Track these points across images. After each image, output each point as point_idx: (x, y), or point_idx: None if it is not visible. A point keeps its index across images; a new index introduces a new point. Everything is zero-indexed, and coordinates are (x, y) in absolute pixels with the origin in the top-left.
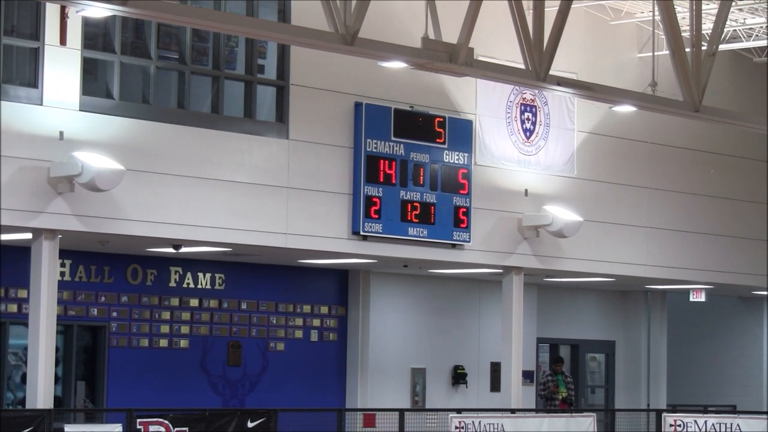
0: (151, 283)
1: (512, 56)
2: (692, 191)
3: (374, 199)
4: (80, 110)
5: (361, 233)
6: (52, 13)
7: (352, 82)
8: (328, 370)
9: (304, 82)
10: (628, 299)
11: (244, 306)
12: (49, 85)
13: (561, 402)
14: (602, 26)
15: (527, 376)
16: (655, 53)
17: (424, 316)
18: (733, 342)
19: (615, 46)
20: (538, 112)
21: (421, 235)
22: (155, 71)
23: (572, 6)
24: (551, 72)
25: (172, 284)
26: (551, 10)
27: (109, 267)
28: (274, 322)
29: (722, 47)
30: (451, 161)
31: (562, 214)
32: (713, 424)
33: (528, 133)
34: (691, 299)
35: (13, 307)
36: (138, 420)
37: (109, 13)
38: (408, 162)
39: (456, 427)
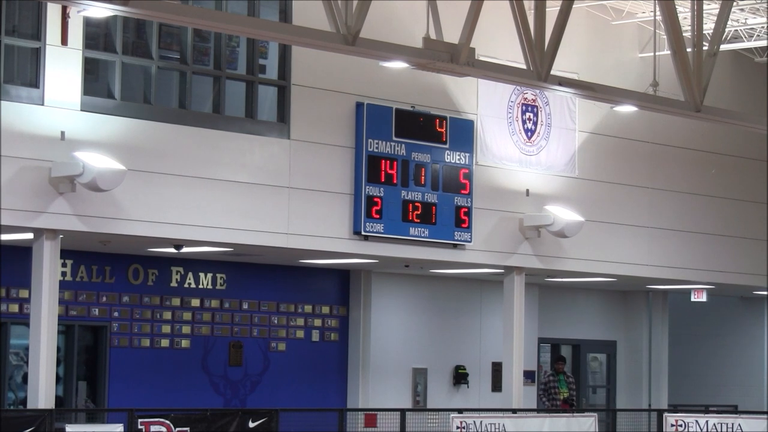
0: (152, 283)
1: (513, 56)
2: (693, 191)
3: (375, 199)
4: (81, 110)
5: (363, 233)
6: (53, 13)
7: (354, 82)
8: (330, 370)
9: (306, 82)
10: (629, 299)
11: (245, 306)
12: (51, 85)
13: (562, 402)
14: (603, 26)
15: (528, 376)
16: (657, 53)
17: (425, 316)
18: (734, 342)
19: (616, 46)
20: (539, 112)
21: (423, 235)
22: (156, 71)
23: (573, 6)
24: (552, 72)
25: (174, 284)
26: (552, 10)
27: (110, 267)
28: (276, 322)
29: (723, 47)
30: (453, 161)
31: (564, 214)
32: (714, 424)
33: (529, 133)
34: (693, 299)
35: (15, 307)
36: (139, 420)
37: (110, 13)
38: (409, 162)
39: (457, 427)
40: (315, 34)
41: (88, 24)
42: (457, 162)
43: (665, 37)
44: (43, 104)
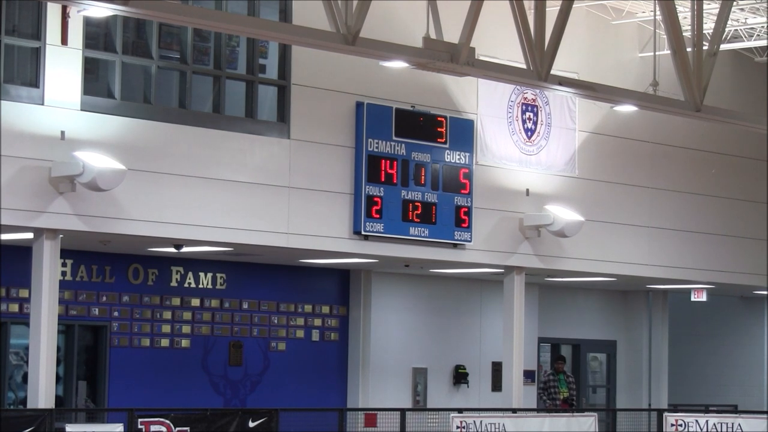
0: (152, 283)
1: (513, 56)
2: (693, 191)
3: (375, 199)
4: (81, 110)
5: (363, 233)
6: (53, 12)
7: (354, 82)
8: (330, 369)
9: (306, 81)
10: (629, 299)
11: (245, 306)
12: (51, 84)
13: (562, 402)
14: (603, 26)
15: (528, 375)
16: (657, 53)
17: (425, 316)
18: (734, 342)
19: (616, 46)
20: (539, 112)
21: (423, 234)
22: (156, 71)
23: (573, 6)
24: (552, 72)
25: (174, 284)
26: (552, 10)
27: (110, 267)
28: (276, 321)
29: (723, 47)
30: (453, 161)
31: (564, 214)
32: (714, 424)
33: (529, 133)
34: (693, 299)
35: (15, 307)
36: (139, 420)
37: (110, 13)
38: (409, 162)
39: (457, 427)
40: (315, 34)
41: (88, 24)
42: (457, 162)
43: (665, 36)
44: (43, 104)
